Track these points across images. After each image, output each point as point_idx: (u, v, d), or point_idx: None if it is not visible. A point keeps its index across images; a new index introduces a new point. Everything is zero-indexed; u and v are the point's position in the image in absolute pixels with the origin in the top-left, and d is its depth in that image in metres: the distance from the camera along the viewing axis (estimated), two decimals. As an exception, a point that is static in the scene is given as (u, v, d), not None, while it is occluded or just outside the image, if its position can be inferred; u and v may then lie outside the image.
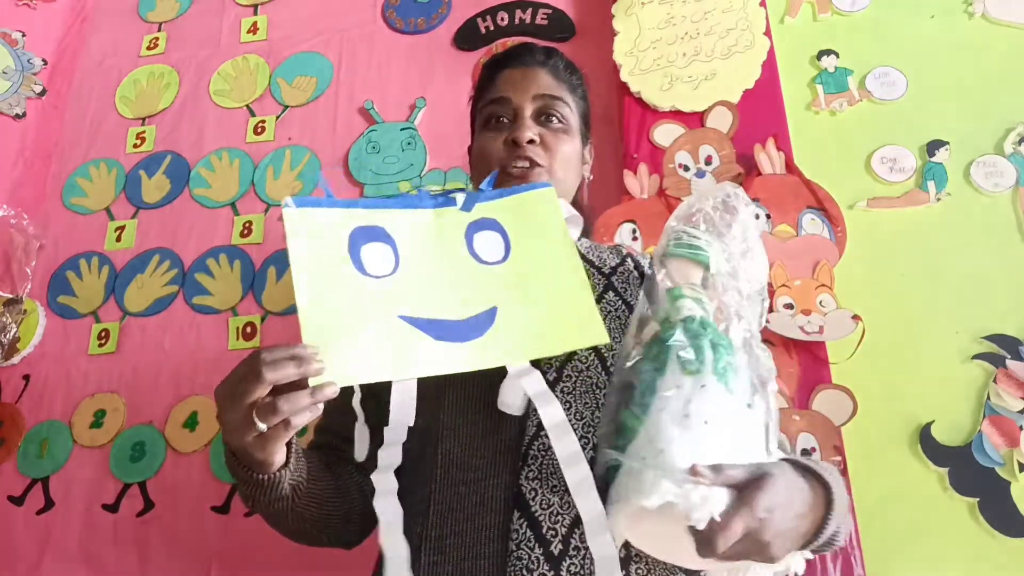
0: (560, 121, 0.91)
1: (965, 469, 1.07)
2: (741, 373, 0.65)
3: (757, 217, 0.73)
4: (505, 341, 0.69)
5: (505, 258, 0.74)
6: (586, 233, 1.01)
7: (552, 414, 0.66)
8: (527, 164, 0.86)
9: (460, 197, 0.77)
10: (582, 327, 0.71)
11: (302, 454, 0.72)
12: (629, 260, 0.91)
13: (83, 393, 1.43)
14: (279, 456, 0.65)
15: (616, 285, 0.85)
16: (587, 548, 0.65)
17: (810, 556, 0.66)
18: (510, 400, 0.71)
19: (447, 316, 0.69)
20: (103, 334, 1.47)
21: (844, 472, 1.09)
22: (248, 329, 1.43)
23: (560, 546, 0.67)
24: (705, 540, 0.57)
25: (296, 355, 0.60)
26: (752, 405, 0.65)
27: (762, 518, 0.58)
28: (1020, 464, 1.06)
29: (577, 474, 0.63)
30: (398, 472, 0.79)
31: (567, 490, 0.66)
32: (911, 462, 1.10)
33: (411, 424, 0.67)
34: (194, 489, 1.32)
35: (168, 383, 1.41)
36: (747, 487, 0.59)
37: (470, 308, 0.70)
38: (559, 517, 0.68)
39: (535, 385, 0.68)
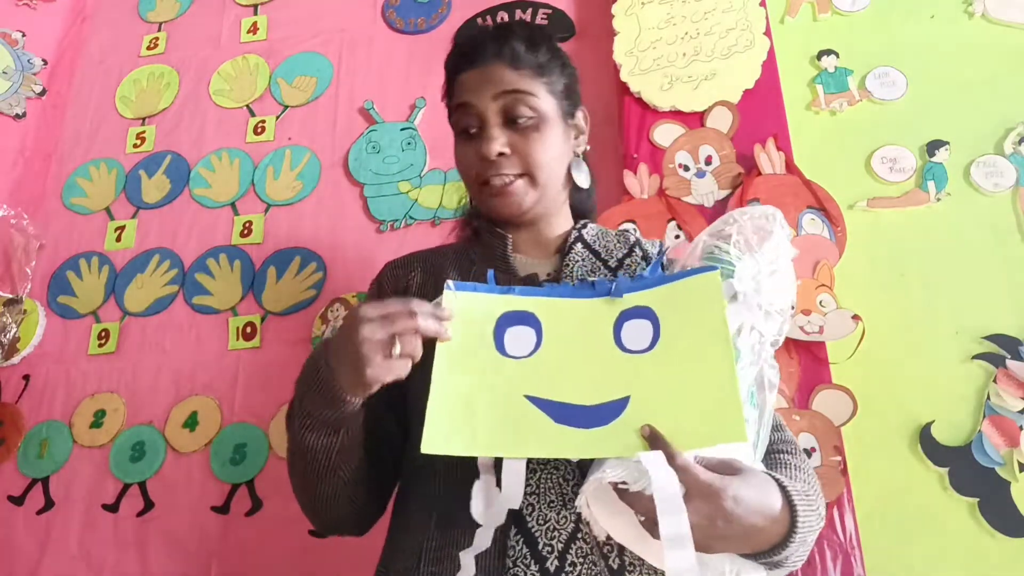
0: (530, 117, 0.84)
1: (965, 469, 1.07)
2: (741, 382, 0.66)
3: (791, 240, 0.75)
4: (629, 433, 0.65)
5: (651, 347, 0.70)
6: (589, 213, 1.00)
7: (666, 483, 0.60)
8: (504, 180, 0.84)
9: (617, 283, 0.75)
10: (721, 424, 0.65)
11: None
12: (637, 249, 0.89)
13: (83, 393, 1.43)
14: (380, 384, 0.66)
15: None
16: (583, 563, 0.66)
17: (764, 572, 0.67)
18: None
19: (576, 400, 0.68)
20: (103, 334, 1.47)
21: (844, 472, 1.09)
22: (248, 329, 1.43)
23: (556, 562, 0.66)
24: (649, 517, 0.59)
25: (438, 315, 0.68)
26: (746, 420, 0.67)
27: (728, 508, 0.60)
28: (1020, 464, 1.06)
29: (679, 561, 0.58)
30: (400, 483, 0.81)
31: (564, 505, 0.67)
32: (911, 462, 1.10)
33: (516, 508, 0.66)
34: (194, 489, 1.32)
35: (168, 383, 1.41)
36: (723, 472, 0.62)
37: (602, 395, 0.68)
38: (556, 533, 0.67)
39: (655, 459, 0.62)
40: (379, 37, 1.66)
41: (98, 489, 1.35)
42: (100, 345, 1.46)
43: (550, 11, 1.59)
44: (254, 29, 1.73)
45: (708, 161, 1.34)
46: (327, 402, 0.68)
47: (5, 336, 1.47)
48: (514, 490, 0.66)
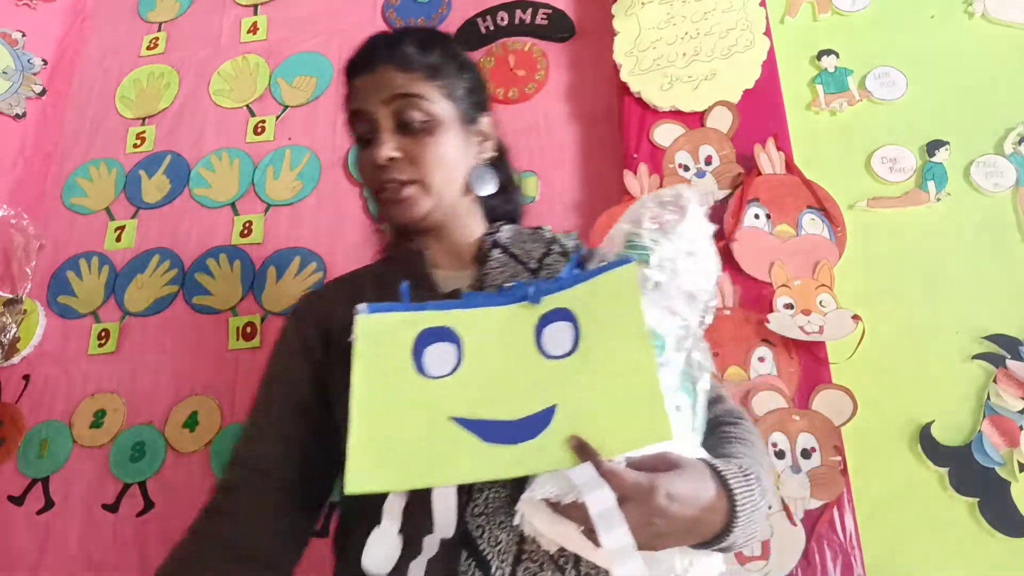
0: (423, 122, 0.82)
1: (965, 469, 1.07)
2: (670, 369, 0.66)
3: (711, 220, 0.73)
4: (557, 444, 0.63)
5: (573, 351, 0.67)
6: (515, 219, 0.97)
7: (599, 501, 0.58)
8: (396, 185, 0.81)
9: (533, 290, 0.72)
10: (646, 425, 0.63)
11: None
12: (555, 246, 0.87)
13: (83, 393, 1.43)
14: None
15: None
16: None
17: (719, 557, 0.67)
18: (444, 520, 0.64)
19: (503, 416, 0.65)
20: (103, 334, 1.47)
21: (844, 472, 1.09)
22: (248, 329, 1.43)
23: None
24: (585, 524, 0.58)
25: None
26: (680, 407, 0.66)
27: (663, 505, 0.59)
28: (1020, 464, 1.06)
29: (629, 571, 0.57)
30: (348, 510, 0.77)
31: (513, 525, 0.64)
32: (911, 462, 1.11)
33: (449, 536, 0.63)
34: (194, 489, 1.32)
35: (168, 383, 1.41)
36: (656, 466, 0.61)
37: (528, 407, 0.65)
38: (506, 556, 0.65)
39: (584, 474, 0.61)
40: (379, 37, 1.66)
41: (98, 489, 1.35)
42: (100, 345, 1.46)
43: (550, 11, 1.59)
44: (254, 29, 1.73)
45: (708, 161, 1.34)
46: None
47: (5, 336, 1.47)
48: (447, 519, 0.63)
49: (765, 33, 1.41)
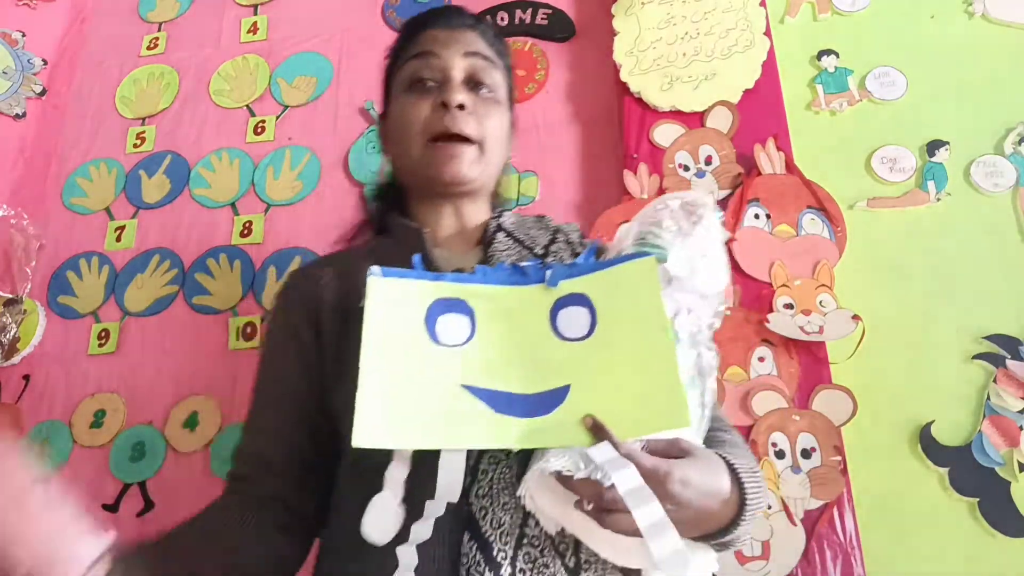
0: (491, 90, 0.83)
1: (965, 469, 1.07)
2: (681, 364, 0.66)
3: (724, 225, 0.75)
4: (571, 423, 0.63)
5: (589, 334, 0.68)
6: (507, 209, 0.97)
7: (627, 479, 0.57)
8: (458, 140, 0.80)
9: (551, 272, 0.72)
10: (663, 410, 0.63)
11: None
12: (560, 235, 0.87)
13: (83, 393, 1.43)
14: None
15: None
16: (532, 569, 0.64)
17: (714, 554, 0.67)
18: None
19: (515, 389, 0.65)
20: (103, 334, 1.47)
21: (844, 472, 1.09)
22: (248, 329, 1.43)
23: (509, 568, 0.63)
24: (596, 504, 0.57)
25: None
26: (695, 385, 0.67)
27: (676, 491, 0.58)
28: (1020, 464, 1.06)
29: (664, 548, 0.56)
30: (346, 493, 0.76)
31: (517, 506, 0.64)
32: (911, 462, 1.11)
33: (455, 501, 0.62)
34: (194, 489, 1.32)
35: (168, 383, 1.41)
36: (670, 452, 0.61)
37: (541, 384, 0.65)
38: (508, 538, 0.64)
39: (605, 453, 0.60)
40: (379, 37, 1.65)
41: (98, 489, 1.35)
42: (100, 345, 1.46)
43: (550, 11, 1.59)
44: (254, 29, 1.73)
45: (708, 161, 1.34)
46: None
47: (5, 336, 1.47)
48: (453, 484, 0.62)
49: (765, 33, 1.41)
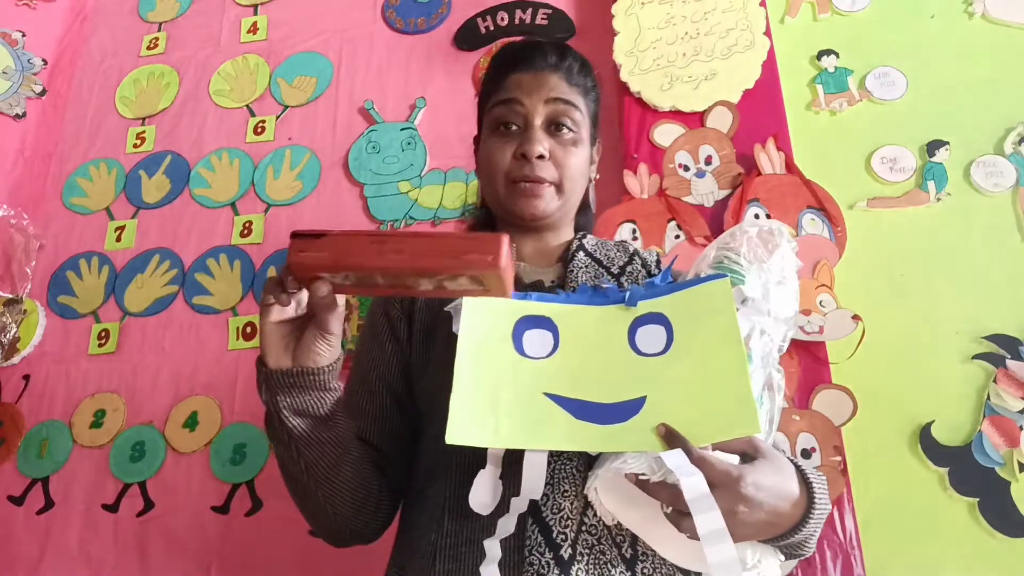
0: (571, 130, 0.88)
1: (965, 469, 1.08)
2: (754, 380, 0.69)
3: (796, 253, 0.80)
4: (646, 430, 0.67)
5: (665, 350, 0.72)
6: (589, 231, 1.01)
7: (694, 486, 0.61)
8: (537, 182, 0.86)
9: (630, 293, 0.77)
10: (734, 417, 0.66)
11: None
12: (637, 259, 0.91)
13: (83, 393, 1.43)
14: (305, 348, 0.70)
15: (625, 285, 0.86)
16: (590, 553, 0.68)
17: (782, 559, 0.69)
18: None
19: (594, 399, 0.70)
20: (103, 334, 1.47)
21: (844, 472, 1.09)
22: (248, 329, 1.43)
23: (570, 550, 0.68)
24: (676, 505, 0.61)
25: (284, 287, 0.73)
26: (761, 403, 0.70)
27: (749, 494, 0.61)
28: (1020, 464, 1.06)
29: (719, 555, 0.59)
30: (412, 474, 0.82)
31: (577, 495, 0.70)
32: (911, 462, 1.11)
33: (538, 498, 0.68)
34: (194, 489, 1.32)
35: (168, 383, 1.41)
36: (744, 450, 0.65)
37: (619, 394, 0.70)
38: (569, 522, 0.69)
39: (677, 459, 0.63)
40: (379, 37, 1.66)
41: (98, 489, 1.35)
42: (100, 345, 1.46)
43: (550, 11, 1.59)
44: (254, 29, 1.73)
45: (708, 161, 1.34)
46: (271, 387, 0.69)
47: (5, 336, 1.47)
48: (536, 482, 0.67)
49: (765, 33, 1.41)
